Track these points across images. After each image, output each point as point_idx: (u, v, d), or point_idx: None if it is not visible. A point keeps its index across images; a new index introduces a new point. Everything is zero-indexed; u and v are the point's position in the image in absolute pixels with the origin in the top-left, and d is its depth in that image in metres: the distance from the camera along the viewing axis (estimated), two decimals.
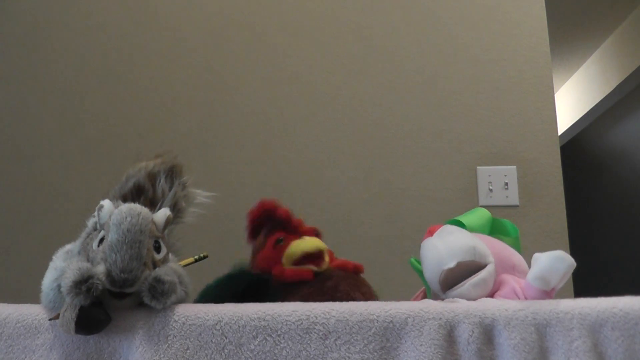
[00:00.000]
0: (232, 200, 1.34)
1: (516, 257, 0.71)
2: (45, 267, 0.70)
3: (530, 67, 1.39)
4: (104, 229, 0.60)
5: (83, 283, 0.54)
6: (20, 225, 1.36)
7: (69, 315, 0.55)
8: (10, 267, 1.33)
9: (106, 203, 0.61)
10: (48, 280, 0.61)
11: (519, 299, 0.63)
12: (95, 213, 0.62)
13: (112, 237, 0.58)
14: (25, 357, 0.56)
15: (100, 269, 0.56)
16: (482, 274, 0.64)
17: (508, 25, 1.42)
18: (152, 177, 0.74)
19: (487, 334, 0.55)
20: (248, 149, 1.38)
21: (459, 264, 0.64)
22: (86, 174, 1.37)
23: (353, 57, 1.43)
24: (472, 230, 0.75)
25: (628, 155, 2.52)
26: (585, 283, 2.75)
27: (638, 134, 2.43)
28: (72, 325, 0.55)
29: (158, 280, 0.58)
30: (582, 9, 2.43)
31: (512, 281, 0.65)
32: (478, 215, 0.79)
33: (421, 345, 0.54)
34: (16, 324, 0.58)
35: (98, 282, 0.55)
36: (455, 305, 0.57)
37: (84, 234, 0.65)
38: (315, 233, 0.74)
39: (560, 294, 0.62)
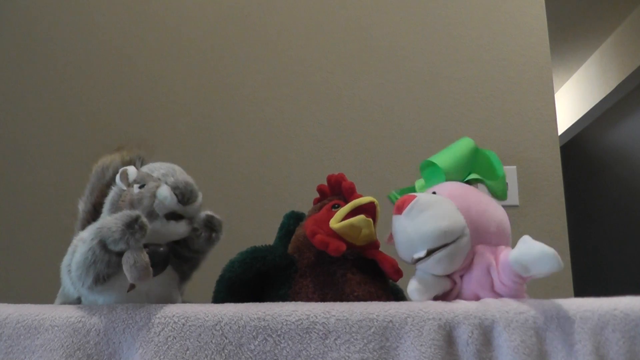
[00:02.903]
0: (231, 200, 1.34)
1: (495, 221, 0.65)
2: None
3: (530, 67, 1.39)
4: (137, 182, 0.65)
5: (134, 222, 0.59)
6: (20, 225, 1.36)
7: (140, 258, 0.58)
8: (10, 267, 1.33)
9: (130, 168, 0.67)
10: (84, 249, 0.60)
11: (491, 277, 0.62)
12: (118, 179, 0.67)
13: (159, 172, 0.66)
14: (25, 357, 0.56)
15: (164, 188, 0.63)
16: (447, 250, 0.61)
17: (508, 25, 1.42)
18: (131, 164, 0.76)
19: (487, 335, 0.55)
20: (248, 149, 1.38)
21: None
22: (86, 174, 1.37)
23: (353, 57, 1.42)
24: (448, 175, 0.70)
25: (628, 155, 2.52)
26: (585, 283, 2.75)
27: (638, 134, 2.43)
28: (149, 268, 0.58)
29: (211, 215, 0.68)
30: (582, 9, 2.43)
31: (488, 254, 0.63)
32: (458, 153, 0.72)
33: (421, 345, 0.54)
34: (16, 324, 0.58)
35: (144, 221, 0.60)
36: (455, 306, 0.57)
37: (109, 201, 0.68)
38: (372, 214, 0.72)
39: (560, 294, 0.62)
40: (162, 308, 0.58)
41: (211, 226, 0.68)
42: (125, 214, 0.60)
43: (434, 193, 0.67)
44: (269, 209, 1.33)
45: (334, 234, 0.68)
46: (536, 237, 0.58)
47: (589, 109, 2.82)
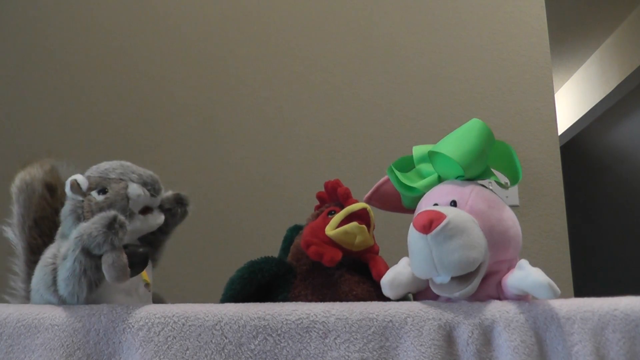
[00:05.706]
0: (231, 200, 1.34)
1: (514, 239, 0.62)
2: None
3: (530, 67, 1.39)
4: (93, 189, 0.65)
5: (114, 222, 0.59)
6: None
7: (119, 259, 0.58)
8: (10, 267, 1.33)
9: (78, 177, 0.66)
10: (68, 263, 0.60)
11: (498, 292, 0.61)
12: (69, 191, 0.66)
13: (115, 172, 0.66)
14: (25, 357, 0.56)
15: (134, 186, 0.64)
16: (473, 284, 0.58)
17: (508, 25, 1.42)
18: (56, 174, 0.77)
19: (487, 335, 0.55)
20: (248, 149, 1.38)
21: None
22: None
23: (353, 57, 1.42)
24: (467, 172, 0.64)
25: (628, 155, 2.52)
26: (585, 283, 2.75)
27: (638, 134, 2.43)
28: (127, 268, 0.58)
29: (177, 193, 0.72)
30: (582, 9, 2.43)
31: (501, 273, 0.62)
32: (476, 144, 0.63)
33: (421, 345, 0.54)
34: (16, 323, 0.58)
35: (122, 219, 0.60)
36: (455, 306, 0.57)
37: (67, 214, 0.67)
38: (367, 221, 0.71)
39: (560, 294, 0.61)
40: (162, 308, 0.58)
41: (183, 202, 0.72)
42: (102, 216, 0.60)
43: (454, 203, 0.62)
44: (268, 208, 1.33)
45: (331, 241, 0.68)
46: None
47: (589, 109, 2.82)
